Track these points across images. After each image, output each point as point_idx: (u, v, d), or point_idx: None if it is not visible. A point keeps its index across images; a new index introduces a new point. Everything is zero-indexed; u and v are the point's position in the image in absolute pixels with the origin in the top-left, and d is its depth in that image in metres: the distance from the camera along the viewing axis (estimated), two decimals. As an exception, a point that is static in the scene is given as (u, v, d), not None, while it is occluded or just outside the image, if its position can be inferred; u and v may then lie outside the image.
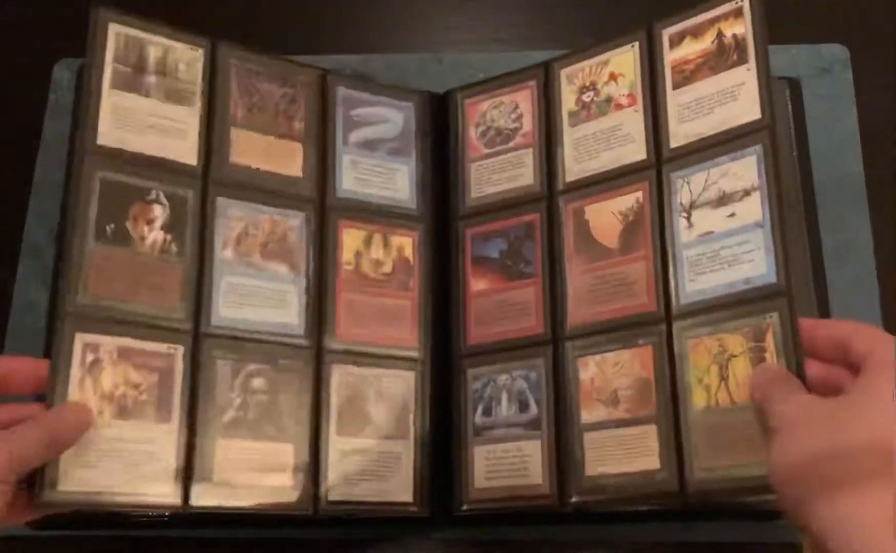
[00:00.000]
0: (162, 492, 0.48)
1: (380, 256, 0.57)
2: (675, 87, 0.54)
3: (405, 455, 0.54)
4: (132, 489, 0.47)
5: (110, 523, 0.54)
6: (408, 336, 0.57)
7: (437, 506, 0.54)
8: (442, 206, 0.60)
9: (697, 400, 0.48)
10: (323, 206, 0.57)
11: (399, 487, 0.54)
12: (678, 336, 0.50)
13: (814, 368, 0.44)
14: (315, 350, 0.54)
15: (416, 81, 0.66)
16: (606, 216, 0.54)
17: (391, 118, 0.61)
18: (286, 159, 0.56)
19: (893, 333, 0.58)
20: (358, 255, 0.57)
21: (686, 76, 0.53)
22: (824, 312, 0.58)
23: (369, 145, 0.59)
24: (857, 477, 0.35)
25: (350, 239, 0.57)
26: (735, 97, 0.51)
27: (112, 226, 0.50)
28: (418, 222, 0.59)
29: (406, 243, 0.58)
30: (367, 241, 0.57)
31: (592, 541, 0.57)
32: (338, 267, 0.56)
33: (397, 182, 0.60)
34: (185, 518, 0.50)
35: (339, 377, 0.54)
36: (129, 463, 0.47)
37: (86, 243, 0.49)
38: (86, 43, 0.51)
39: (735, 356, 0.47)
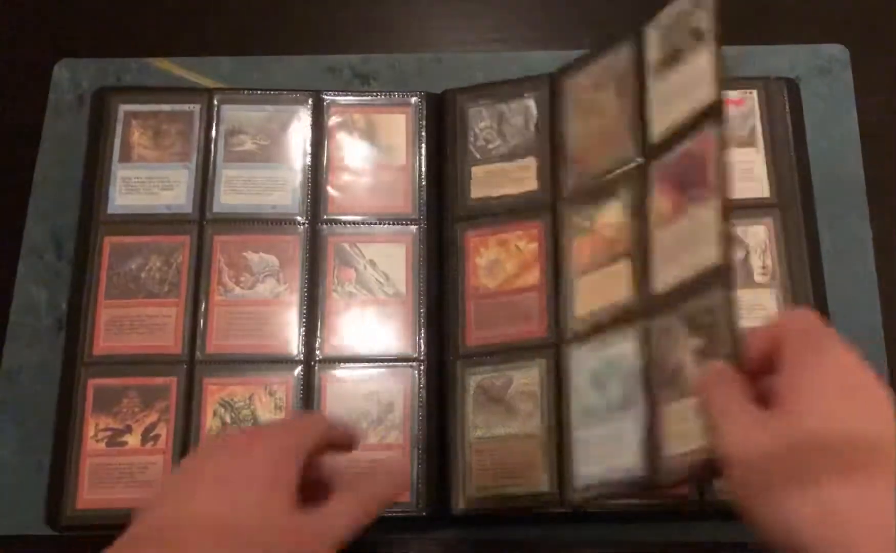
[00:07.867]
0: None
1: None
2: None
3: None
4: None
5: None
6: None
7: (436, 506, 0.54)
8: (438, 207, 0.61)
9: None
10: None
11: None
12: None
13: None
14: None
15: (416, 81, 0.66)
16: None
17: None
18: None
19: (893, 334, 0.59)
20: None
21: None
22: (823, 313, 0.58)
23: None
24: (840, 469, 0.33)
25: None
26: None
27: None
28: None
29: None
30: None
31: (591, 541, 0.56)
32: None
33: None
34: None
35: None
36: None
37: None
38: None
39: None
